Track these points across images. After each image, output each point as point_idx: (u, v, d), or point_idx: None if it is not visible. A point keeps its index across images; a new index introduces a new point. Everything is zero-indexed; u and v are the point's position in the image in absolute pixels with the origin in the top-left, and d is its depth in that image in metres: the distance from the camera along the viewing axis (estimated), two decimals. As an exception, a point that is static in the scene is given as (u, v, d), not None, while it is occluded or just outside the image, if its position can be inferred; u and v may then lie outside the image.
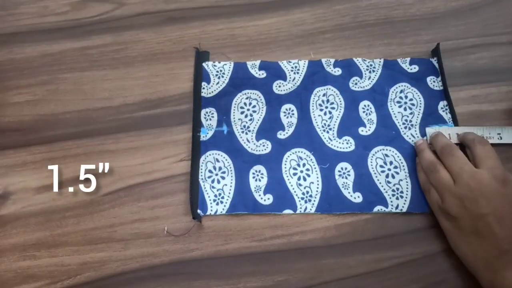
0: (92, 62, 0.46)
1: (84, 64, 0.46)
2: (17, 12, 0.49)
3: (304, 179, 0.39)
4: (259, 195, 0.39)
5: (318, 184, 0.39)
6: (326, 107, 0.43)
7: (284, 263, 0.36)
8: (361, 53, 0.46)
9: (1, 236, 0.37)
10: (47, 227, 0.38)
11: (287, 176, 0.39)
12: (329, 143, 0.41)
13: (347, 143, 0.41)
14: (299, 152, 0.40)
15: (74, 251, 0.37)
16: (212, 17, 0.49)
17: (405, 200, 0.38)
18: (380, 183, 0.39)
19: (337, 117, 0.42)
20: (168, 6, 0.50)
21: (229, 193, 0.39)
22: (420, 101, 0.43)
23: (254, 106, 0.43)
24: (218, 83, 0.44)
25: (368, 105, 0.43)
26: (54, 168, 0.40)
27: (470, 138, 0.38)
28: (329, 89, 0.43)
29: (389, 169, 0.40)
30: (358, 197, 0.38)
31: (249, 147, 0.41)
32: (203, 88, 0.44)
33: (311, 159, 0.40)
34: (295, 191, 0.39)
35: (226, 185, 0.39)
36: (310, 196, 0.38)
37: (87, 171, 0.40)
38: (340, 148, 0.41)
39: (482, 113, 0.43)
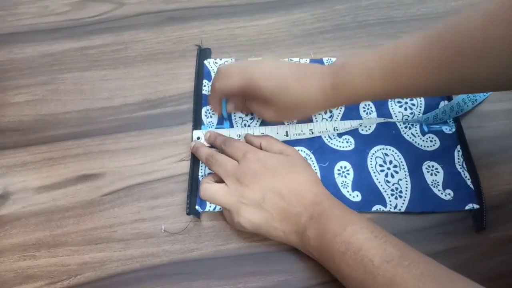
0: (92, 62, 0.46)
1: (84, 64, 0.46)
2: (17, 12, 0.49)
3: None
4: None
5: None
6: None
7: (284, 263, 0.36)
8: (361, 53, 0.46)
9: (1, 236, 0.37)
10: (47, 227, 0.38)
11: None
12: (329, 142, 0.41)
13: (347, 142, 0.41)
14: (299, 150, 0.40)
15: (74, 251, 0.37)
16: (212, 17, 0.49)
17: (404, 200, 0.38)
18: (379, 182, 0.39)
19: (337, 116, 0.42)
20: (168, 6, 0.50)
21: None
22: (420, 101, 0.43)
23: None
24: None
25: (369, 104, 0.43)
26: (54, 168, 0.40)
27: (218, 144, 0.39)
28: None
29: (388, 169, 0.40)
30: (357, 196, 0.38)
31: None
32: (204, 86, 0.44)
33: (311, 158, 0.40)
34: None
35: None
36: None
37: (87, 171, 0.40)
38: (340, 147, 0.41)
39: (482, 113, 0.43)
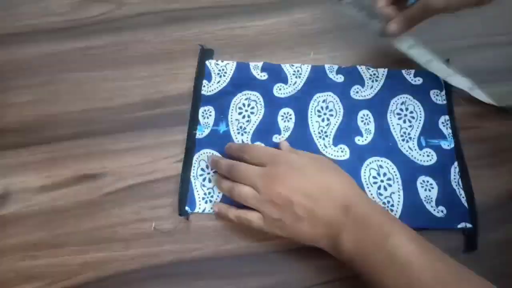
0: (92, 62, 0.46)
1: (84, 64, 0.46)
2: (17, 12, 0.49)
3: None
4: None
5: None
6: (325, 114, 0.42)
7: (284, 263, 0.36)
8: (361, 53, 0.46)
9: (1, 236, 0.37)
10: (47, 227, 0.38)
11: None
12: (324, 150, 0.40)
13: (342, 151, 0.40)
14: None
15: (74, 251, 0.37)
16: (212, 17, 0.49)
17: (395, 214, 0.37)
18: (371, 194, 0.38)
19: (335, 124, 0.42)
20: (169, 6, 0.50)
21: (219, 192, 0.38)
22: (420, 114, 0.42)
23: (252, 108, 0.43)
24: (219, 81, 0.44)
25: (367, 115, 0.42)
26: (54, 168, 0.40)
27: (234, 151, 0.37)
28: (329, 95, 0.43)
29: (381, 181, 0.39)
30: None
31: None
32: (204, 86, 0.44)
33: None
34: None
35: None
36: None
37: (87, 171, 0.40)
38: (335, 156, 0.40)
39: (482, 113, 0.43)
